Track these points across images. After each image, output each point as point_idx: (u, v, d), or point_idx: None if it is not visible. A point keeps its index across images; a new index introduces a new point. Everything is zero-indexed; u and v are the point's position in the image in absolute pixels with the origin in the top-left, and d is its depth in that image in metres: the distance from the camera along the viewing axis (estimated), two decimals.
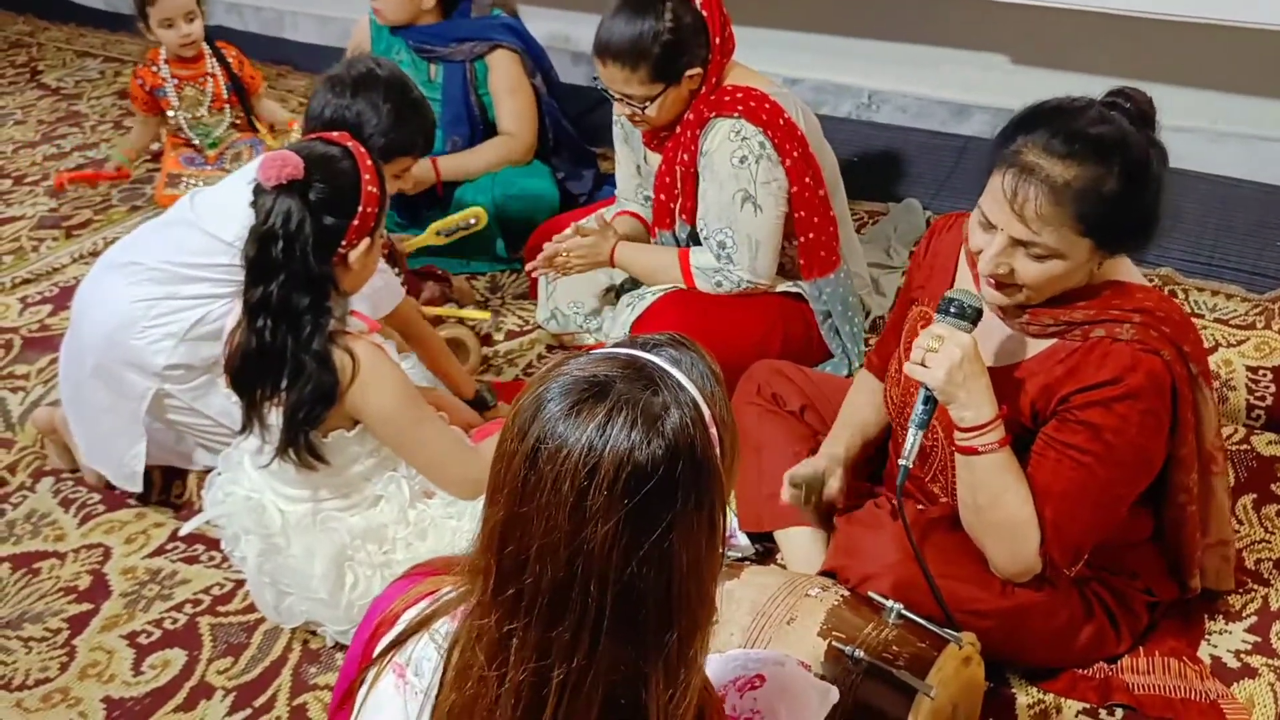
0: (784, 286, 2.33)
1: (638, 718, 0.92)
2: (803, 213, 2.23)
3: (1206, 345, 2.29)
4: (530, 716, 0.93)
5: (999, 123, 1.55)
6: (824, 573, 1.73)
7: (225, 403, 2.05)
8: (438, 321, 2.55)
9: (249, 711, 1.79)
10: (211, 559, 2.08)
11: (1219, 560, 1.79)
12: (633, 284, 2.45)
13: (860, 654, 1.48)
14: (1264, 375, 2.36)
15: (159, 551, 2.11)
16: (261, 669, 1.86)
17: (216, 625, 1.95)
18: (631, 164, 2.54)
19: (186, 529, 2.04)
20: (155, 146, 3.41)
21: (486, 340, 2.61)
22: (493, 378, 2.50)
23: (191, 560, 2.09)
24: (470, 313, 2.63)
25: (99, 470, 2.21)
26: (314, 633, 1.90)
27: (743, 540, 1.94)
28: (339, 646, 1.87)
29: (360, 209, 1.70)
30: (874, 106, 3.63)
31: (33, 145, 3.73)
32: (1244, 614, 1.84)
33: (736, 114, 2.17)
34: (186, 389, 2.10)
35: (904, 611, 1.54)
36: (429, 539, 1.81)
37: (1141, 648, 1.76)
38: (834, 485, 1.79)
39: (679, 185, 2.29)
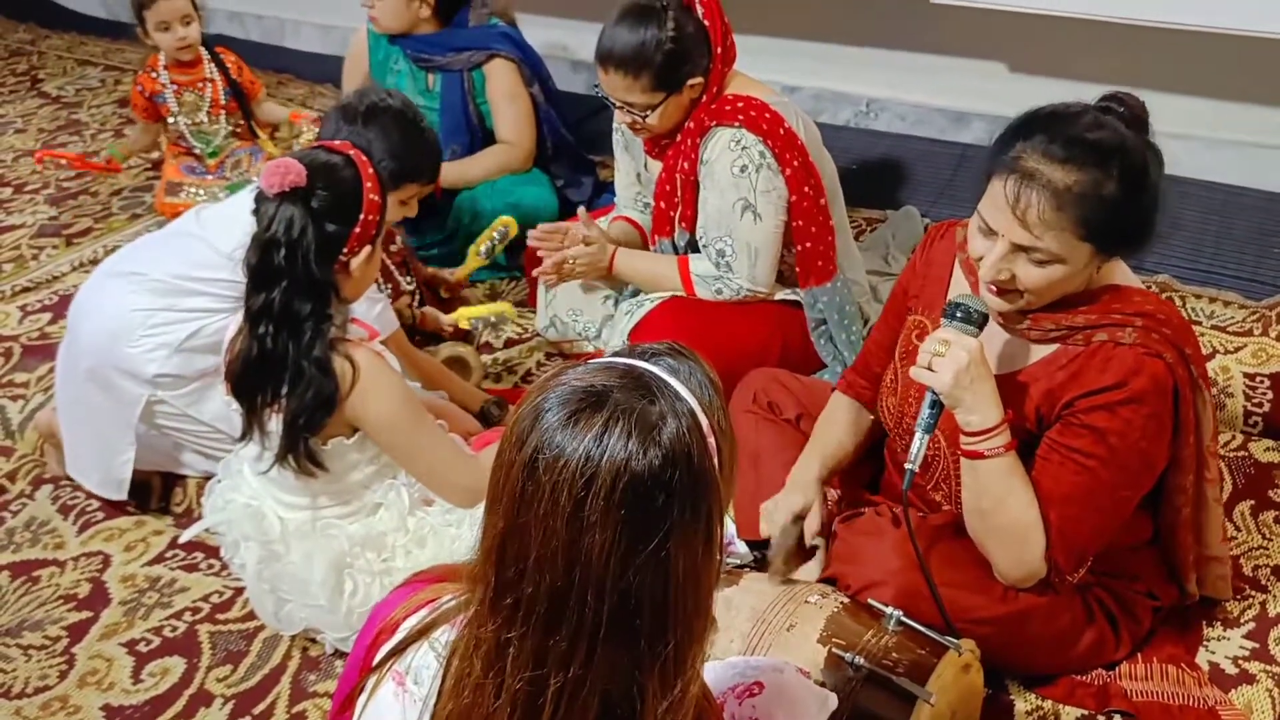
0: (783, 294, 2.34)
1: None
2: (801, 222, 2.24)
3: (1204, 352, 2.29)
4: None
5: (997, 130, 1.56)
6: (824, 580, 1.73)
7: (220, 408, 2.07)
8: (459, 332, 2.56)
9: (248, 719, 1.79)
10: (211, 567, 2.08)
11: (1215, 576, 1.80)
12: (632, 291, 2.45)
13: (860, 661, 1.49)
14: (1261, 382, 2.36)
15: (158, 559, 2.11)
16: (261, 676, 1.86)
17: (216, 633, 1.95)
18: (631, 171, 2.54)
19: (186, 536, 2.04)
20: (155, 155, 3.42)
21: (485, 348, 2.61)
22: (491, 384, 2.51)
23: (191, 568, 2.09)
24: (492, 307, 2.63)
25: (79, 481, 2.22)
26: (313, 640, 1.90)
27: (741, 548, 1.94)
28: (338, 654, 1.87)
29: (362, 217, 1.71)
30: (873, 114, 3.64)
31: (33, 153, 3.73)
32: (1242, 620, 1.84)
33: (737, 123, 2.17)
34: (179, 395, 2.11)
35: (903, 618, 1.55)
36: (428, 546, 1.81)
37: (1140, 654, 1.76)
38: (814, 525, 1.78)
39: (679, 193, 2.30)
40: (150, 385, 2.08)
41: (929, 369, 1.53)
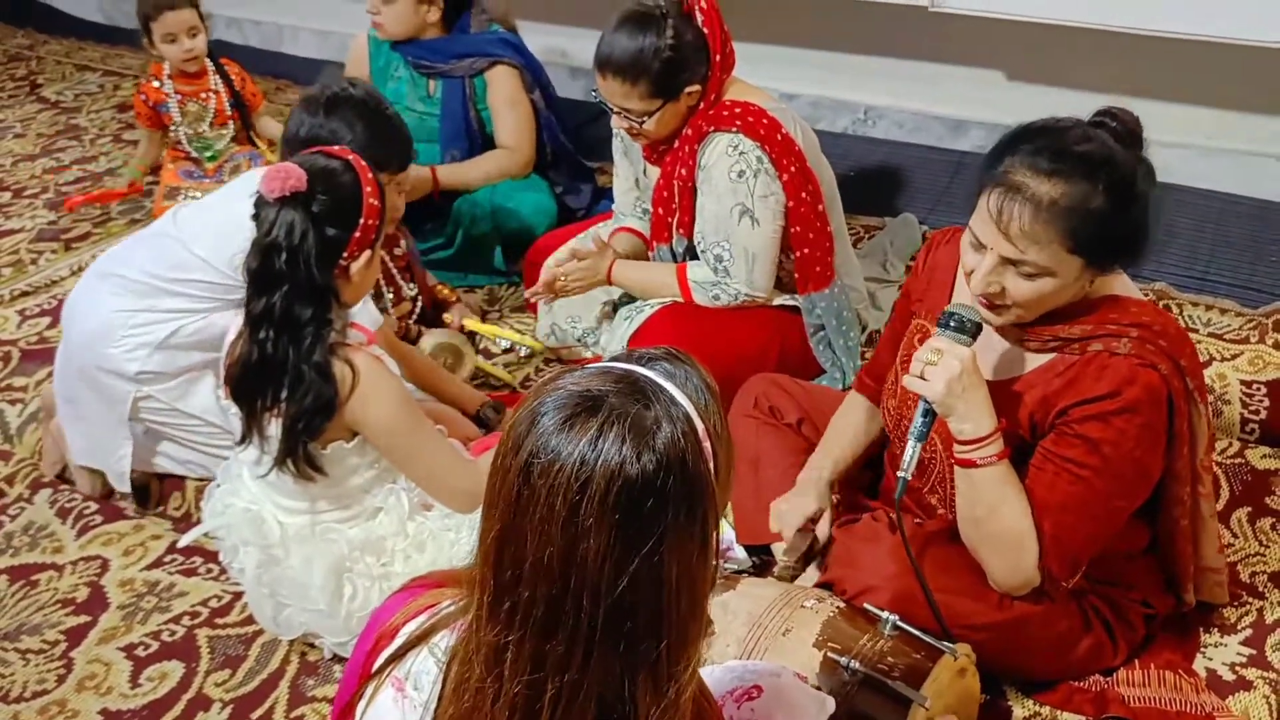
0: (781, 300, 2.35)
1: None
2: (799, 227, 2.25)
3: (1201, 360, 2.30)
4: None
5: (995, 138, 1.56)
6: (821, 585, 1.74)
7: (207, 401, 2.12)
8: (473, 337, 2.57)
9: None
10: (210, 571, 2.08)
11: (1211, 584, 1.80)
12: (630, 298, 2.46)
13: (856, 665, 1.49)
14: (1258, 389, 2.37)
15: (157, 563, 2.11)
16: (259, 681, 1.86)
17: (214, 637, 1.95)
18: (630, 177, 2.55)
19: (185, 541, 2.04)
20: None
21: (485, 354, 2.62)
22: (489, 390, 2.51)
23: (190, 572, 2.09)
24: (511, 334, 2.62)
25: (97, 468, 2.23)
26: (312, 645, 1.90)
27: (740, 553, 1.95)
28: (337, 659, 1.87)
29: (362, 221, 1.71)
30: (870, 122, 3.65)
31: (32, 158, 3.74)
32: (1239, 627, 1.85)
33: (735, 129, 2.18)
34: (165, 389, 2.14)
35: (899, 623, 1.55)
36: (427, 551, 1.82)
37: (1137, 660, 1.76)
38: (824, 530, 1.80)
39: (677, 199, 2.31)
40: (134, 382, 2.11)
41: (922, 378, 1.54)
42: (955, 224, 1.76)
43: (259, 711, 1.81)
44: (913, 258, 2.75)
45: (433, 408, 2.15)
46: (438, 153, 2.92)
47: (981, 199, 1.51)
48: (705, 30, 2.18)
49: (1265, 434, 2.26)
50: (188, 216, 2.17)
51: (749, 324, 2.29)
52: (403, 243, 2.57)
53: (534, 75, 2.96)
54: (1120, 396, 1.52)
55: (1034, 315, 1.57)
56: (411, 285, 2.58)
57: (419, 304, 2.60)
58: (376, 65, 2.99)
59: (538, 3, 3.76)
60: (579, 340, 2.54)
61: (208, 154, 3.14)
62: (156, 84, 3.07)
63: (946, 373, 1.51)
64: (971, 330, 1.55)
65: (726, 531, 1.90)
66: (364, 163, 1.75)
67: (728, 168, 2.19)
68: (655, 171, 2.39)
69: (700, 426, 0.94)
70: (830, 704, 1.31)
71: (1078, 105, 1.58)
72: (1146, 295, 1.68)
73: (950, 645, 1.53)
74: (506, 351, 2.64)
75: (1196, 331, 2.58)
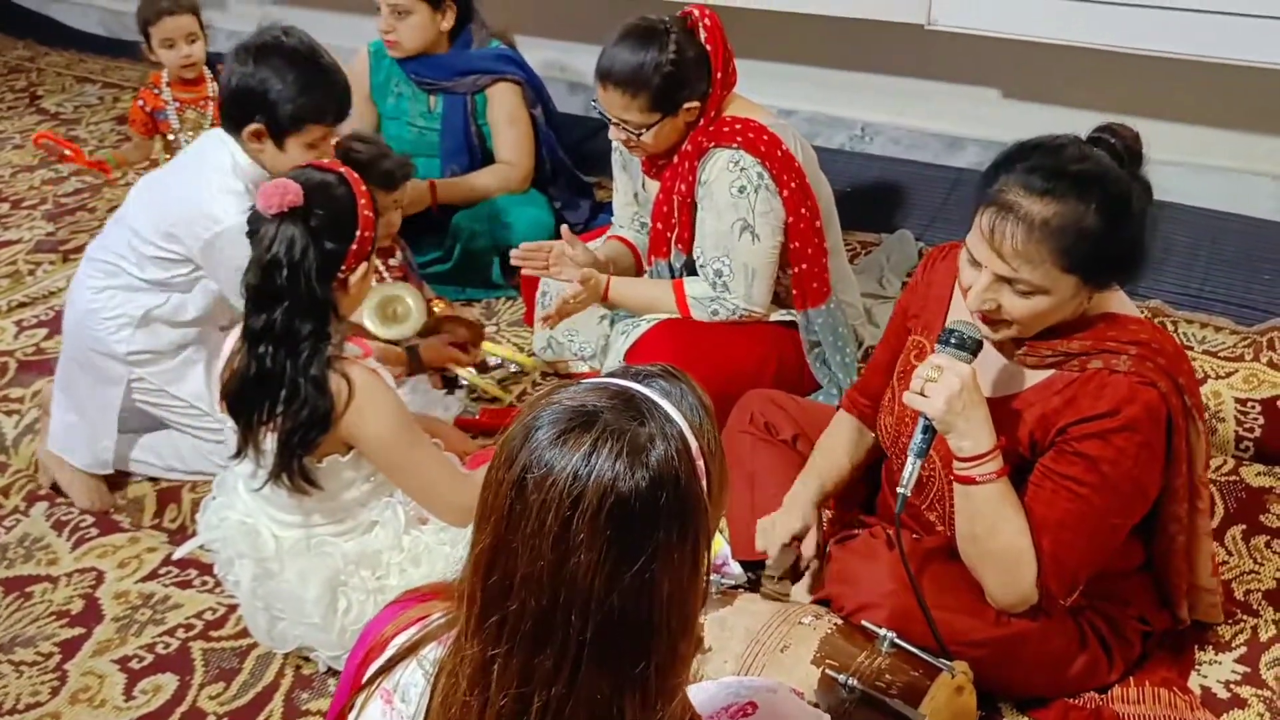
0: (778, 315, 2.35)
1: None
2: (797, 243, 2.25)
3: (1196, 377, 2.30)
4: None
5: (990, 155, 1.57)
6: (818, 601, 1.74)
7: (198, 387, 2.20)
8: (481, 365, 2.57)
9: None
10: (204, 584, 2.08)
11: (1206, 604, 1.80)
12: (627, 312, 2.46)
13: (853, 682, 1.49)
14: (1253, 407, 2.38)
15: (152, 576, 2.11)
16: (254, 694, 1.86)
17: (209, 650, 1.95)
18: (629, 191, 2.56)
19: (180, 553, 2.04)
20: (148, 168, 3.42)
21: (482, 367, 2.62)
22: (481, 405, 2.51)
23: (184, 585, 2.09)
24: (510, 353, 2.62)
25: (62, 457, 2.27)
26: (306, 658, 1.90)
27: (736, 569, 1.94)
28: (331, 672, 1.86)
29: (358, 233, 1.72)
30: (867, 138, 3.67)
31: (30, 169, 3.74)
32: (1234, 645, 1.85)
33: (735, 144, 2.19)
34: (158, 371, 2.21)
35: (897, 640, 1.55)
36: (423, 565, 1.81)
37: (1132, 678, 1.76)
38: (810, 548, 1.80)
39: (676, 215, 2.31)
40: (127, 364, 2.19)
41: (922, 394, 1.54)
42: (952, 240, 1.77)
43: None
44: (909, 274, 2.76)
45: (429, 422, 2.15)
46: (438, 167, 2.93)
47: (977, 217, 1.51)
48: (708, 47, 2.19)
49: (1260, 452, 2.27)
50: (137, 191, 2.26)
51: (746, 339, 2.29)
52: (399, 253, 2.57)
53: (535, 91, 2.97)
54: (1120, 415, 1.52)
55: (1031, 332, 1.57)
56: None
57: None
58: (376, 80, 3.00)
59: (536, 18, 3.78)
60: (576, 354, 2.55)
61: None
62: (155, 91, 3.08)
63: (947, 390, 1.52)
64: (972, 347, 1.55)
65: (723, 547, 1.90)
66: (355, 175, 1.76)
67: (729, 183, 2.20)
68: (654, 186, 2.39)
69: (694, 445, 0.94)
70: None
71: (1072, 123, 1.59)
72: (1142, 312, 1.69)
73: (948, 663, 1.53)
74: (497, 367, 2.64)
75: (1192, 349, 2.58)
